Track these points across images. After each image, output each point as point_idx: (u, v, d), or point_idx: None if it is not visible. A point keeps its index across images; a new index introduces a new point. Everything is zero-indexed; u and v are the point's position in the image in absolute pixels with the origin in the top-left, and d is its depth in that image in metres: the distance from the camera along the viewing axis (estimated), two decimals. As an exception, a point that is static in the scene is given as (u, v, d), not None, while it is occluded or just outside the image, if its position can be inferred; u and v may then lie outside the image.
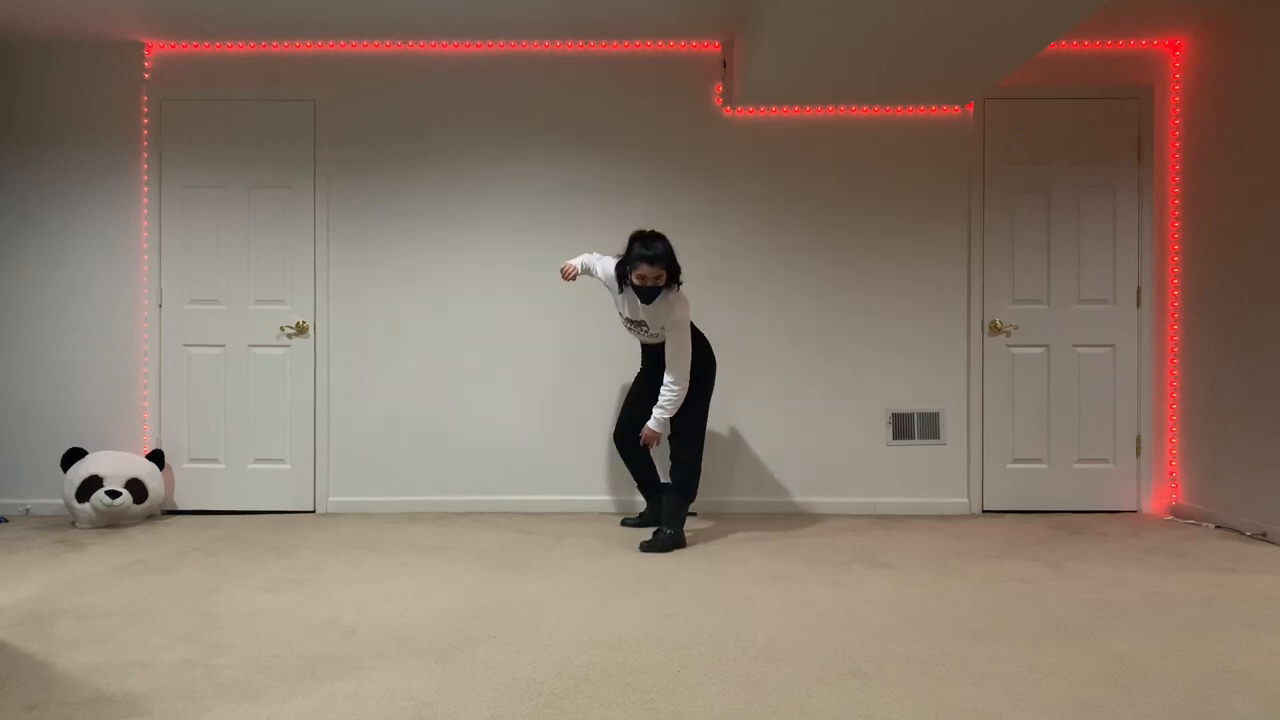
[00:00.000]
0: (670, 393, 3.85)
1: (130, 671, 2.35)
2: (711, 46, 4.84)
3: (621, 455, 4.25)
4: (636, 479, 4.29)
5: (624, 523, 4.38)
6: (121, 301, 4.83)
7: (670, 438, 4.02)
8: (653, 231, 3.89)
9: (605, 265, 4.06)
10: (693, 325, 3.98)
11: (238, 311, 4.85)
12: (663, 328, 3.90)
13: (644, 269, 3.75)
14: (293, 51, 4.85)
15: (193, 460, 4.84)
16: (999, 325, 4.84)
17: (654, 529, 4.07)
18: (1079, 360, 4.84)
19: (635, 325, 4.04)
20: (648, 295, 3.81)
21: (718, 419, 4.68)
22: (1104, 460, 4.83)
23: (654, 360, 4.10)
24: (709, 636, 2.64)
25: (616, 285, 4.01)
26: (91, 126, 4.81)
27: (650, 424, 3.91)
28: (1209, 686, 2.25)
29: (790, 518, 4.64)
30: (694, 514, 4.01)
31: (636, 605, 2.98)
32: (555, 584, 3.28)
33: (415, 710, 2.10)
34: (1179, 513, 4.73)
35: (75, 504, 4.38)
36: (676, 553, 3.81)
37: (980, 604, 3.02)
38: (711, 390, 4.09)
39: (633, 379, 4.34)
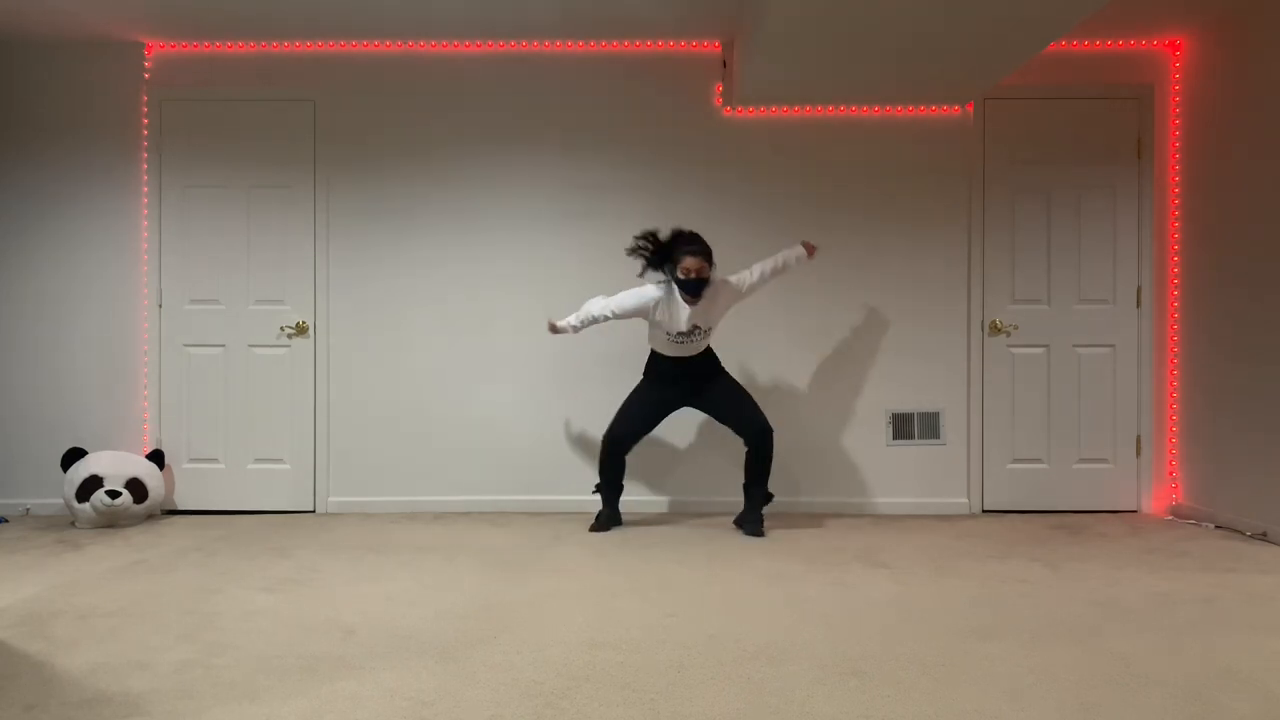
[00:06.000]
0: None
1: (130, 671, 2.35)
2: (711, 46, 4.84)
3: (614, 460, 4.31)
4: (617, 484, 4.36)
5: (593, 529, 4.32)
6: (121, 301, 4.83)
7: (768, 442, 4.23)
8: (690, 231, 4.08)
9: (625, 298, 4.13)
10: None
11: (238, 311, 4.85)
12: (713, 319, 4.14)
13: (689, 261, 3.94)
14: (293, 51, 4.85)
15: (192, 460, 4.84)
16: (999, 325, 4.84)
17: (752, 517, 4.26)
18: (1079, 360, 4.84)
19: (686, 336, 4.10)
20: (694, 289, 3.96)
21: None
22: (1104, 460, 4.83)
23: (688, 370, 4.22)
24: (709, 636, 2.64)
25: (652, 306, 4.07)
26: (91, 126, 4.81)
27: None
28: (1209, 686, 2.25)
29: (790, 518, 4.64)
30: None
31: (636, 605, 2.98)
32: (555, 584, 3.28)
33: (415, 710, 2.10)
34: (1179, 513, 4.73)
35: (75, 504, 4.38)
36: (676, 552, 3.81)
37: (980, 604, 3.01)
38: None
39: (642, 386, 4.33)
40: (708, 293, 4.03)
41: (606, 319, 4.19)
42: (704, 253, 3.97)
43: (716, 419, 4.35)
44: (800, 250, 4.26)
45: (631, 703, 2.14)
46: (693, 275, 3.94)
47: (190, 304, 4.85)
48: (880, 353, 4.85)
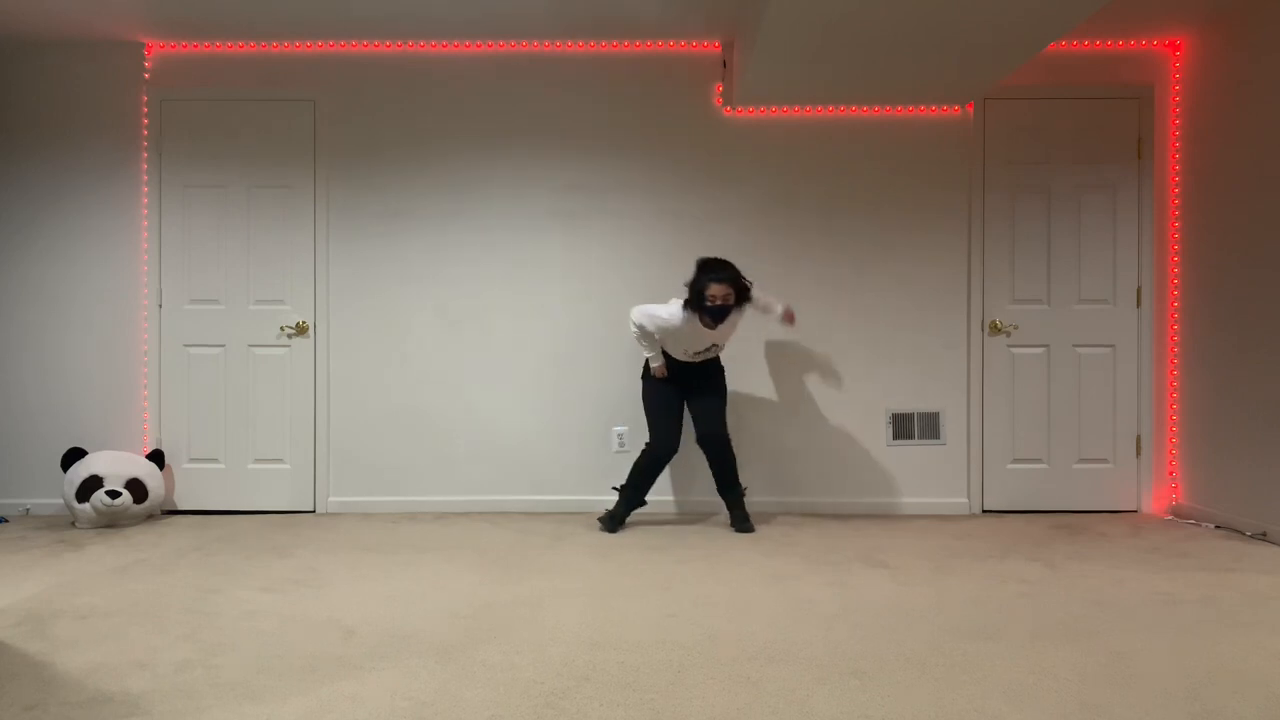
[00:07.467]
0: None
1: (130, 671, 2.35)
2: (711, 46, 4.84)
3: (655, 472, 4.35)
4: (644, 494, 4.40)
5: (600, 520, 4.35)
6: (121, 301, 4.83)
7: (722, 449, 4.32)
8: (719, 259, 4.16)
9: (656, 318, 4.18)
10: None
11: (238, 311, 4.85)
12: (727, 336, 4.30)
13: (715, 289, 4.01)
14: (293, 51, 4.85)
15: (193, 460, 4.84)
16: (999, 325, 4.84)
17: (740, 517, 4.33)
18: (1079, 360, 4.84)
19: (703, 352, 4.28)
20: (719, 314, 4.05)
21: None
22: (1104, 460, 4.83)
23: (694, 369, 4.32)
24: (709, 636, 2.64)
25: (672, 329, 4.16)
26: (91, 126, 4.81)
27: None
28: (1209, 686, 2.25)
29: (790, 518, 4.64)
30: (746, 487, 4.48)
31: (636, 605, 2.98)
32: (555, 584, 3.28)
33: (415, 710, 2.10)
34: (1179, 513, 4.73)
35: (75, 504, 4.38)
36: (676, 552, 3.82)
37: (980, 604, 3.02)
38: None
39: (654, 390, 4.37)
40: (730, 318, 4.15)
41: (648, 339, 4.29)
42: (730, 280, 4.04)
43: (688, 406, 4.38)
44: (782, 310, 4.33)
45: (631, 703, 2.14)
46: (718, 302, 4.03)
47: (190, 304, 4.85)
48: (880, 352, 4.85)
